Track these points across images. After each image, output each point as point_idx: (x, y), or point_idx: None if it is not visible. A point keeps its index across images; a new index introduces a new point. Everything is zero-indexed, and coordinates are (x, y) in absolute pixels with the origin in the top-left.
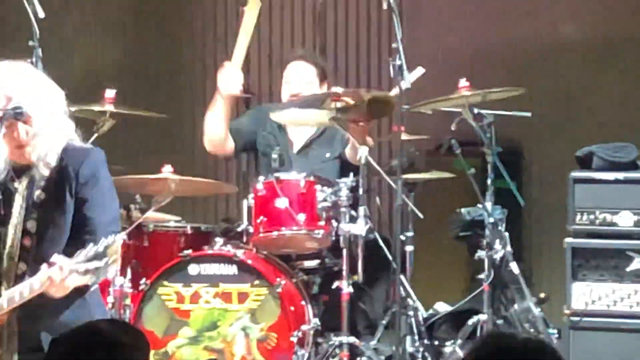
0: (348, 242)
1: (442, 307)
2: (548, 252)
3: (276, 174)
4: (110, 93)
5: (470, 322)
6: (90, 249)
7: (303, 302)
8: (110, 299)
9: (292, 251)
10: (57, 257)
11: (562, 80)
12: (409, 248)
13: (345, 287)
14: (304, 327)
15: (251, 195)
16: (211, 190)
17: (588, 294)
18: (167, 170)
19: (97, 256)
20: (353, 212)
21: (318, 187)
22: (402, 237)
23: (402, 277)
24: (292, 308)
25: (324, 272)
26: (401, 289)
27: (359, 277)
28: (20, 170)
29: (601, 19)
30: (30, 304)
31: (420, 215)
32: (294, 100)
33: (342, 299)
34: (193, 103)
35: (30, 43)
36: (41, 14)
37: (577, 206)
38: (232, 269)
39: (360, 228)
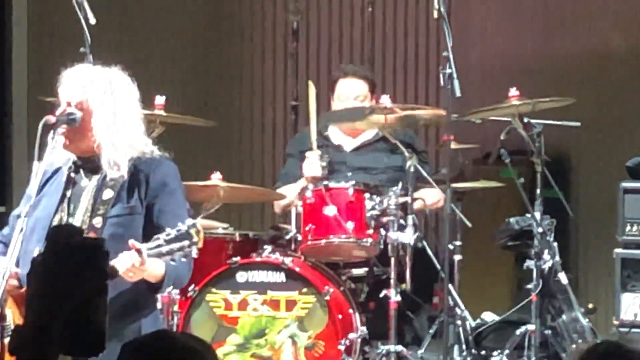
0: (396, 250)
1: (489, 317)
2: (596, 263)
3: (325, 182)
4: (160, 100)
5: (518, 332)
6: (171, 231)
7: (351, 310)
8: (158, 305)
9: (340, 259)
10: (134, 242)
11: (612, 89)
12: (457, 257)
13: (393, 295)
14: (351, 336)
15: (300, 203)
16: (260, 198)
17: (637, 305)
18: (215, 178)
19: (179, 237)
20: (402, 221)
21: (367, 195)
22: (451, 246)
23: (450, 286)
24: (340, 316)
25: (371, 281)
26: (449, 298)
27: (407, 285)
28: (91, 168)
29: None
30: None
31: (469, 224)
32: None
33: (390, 308)
34: (241, 111)
35: (82, 49)
36: (92, 20)
37: (627, 217)
38: (280, 277)
39: (408, 236)
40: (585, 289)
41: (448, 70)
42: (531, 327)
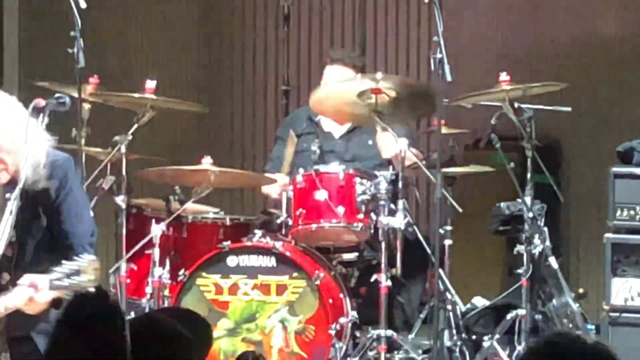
0: (387, 235)
1: (480, 302)
2: (587, 248)
3: (315, 167)
4: (151, 84)
5: (508, 316)
6: (69, 265)
7: (341, 295)
8: (148, 290)
9: (330, 244)
10: (31, 277)
11: (602, 74)
12: (448, 242)
13: (384, 280)
14: (342, 320)
15: (290, 188)
16: (250, 182)
17: (627, 290)
18: (206, 162)
19: (76, 273)
20: (392, 205)
21: (357, 179)
22: (441, 231)
23: (440, 271)
24: (331, 301)
25: (362, 265)
26: (439, 282)
27: (397, 270)
28: (9, 184)
29: None
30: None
31: (459, 209)
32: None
33: (381, 292)
34: (232, 96)
35: (72, 33)
36: (83, 4)
37: (617, 202)
38: (270, 261)
39: (399, 221)
40: (575, 274)
41: (439, 55)
42: (521, 311)
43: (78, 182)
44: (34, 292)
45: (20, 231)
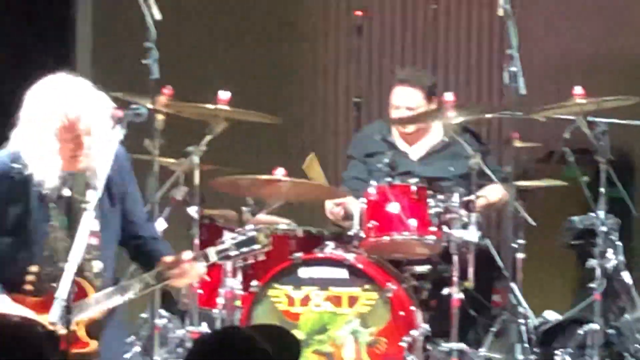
0: (459, 248)
1: (551, 316)
2: None
3: (388, 179)
4: (224, 95)
5: (581, 331)
6: (239, 234)
7: (413, 308)
8: (220, 300)
9: (402, 256)
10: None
11: None
12: (520, 255)
13: (456, 293)
14: (413, 333)
15: (363, 200)
16: (322, 194)
17: None
18: (279, 173)
19: (246, 242)
20: (465, 219)
21: (430, 192)
22: (514, 245)
23: (513, 284)
24: (402, 313)
25: (434, 278)
26: (512, 296)
27: (470, 283)
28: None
29: None
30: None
31: (532, 223)
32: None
33: (452, 305)
34: (304, 107)
35: (147, 44)
36: (157, 16)
37: None
38: (342, 273)
39: (472, 234)
40: None
41: (513, 68)
42: (594, 326)
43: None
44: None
45: (101, 220)
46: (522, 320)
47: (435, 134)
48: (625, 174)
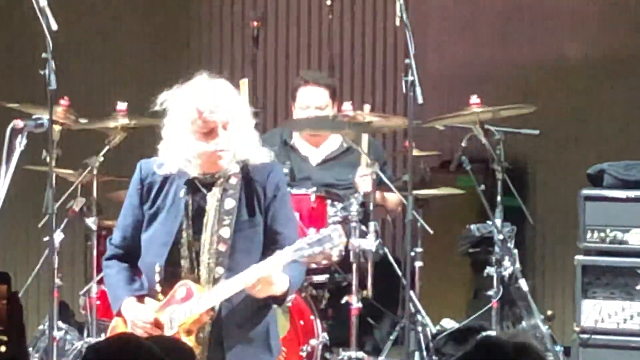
0: (358, 257)
1: (449, 324)
2: (557, 270)
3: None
4: (121, 105)
5: (478, 338)
6: (313, 235)
7: (312, 317)
8: None
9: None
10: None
11: (571, 98)
12: (418, 264)
13: (355, 302)
14: (312, 342)
15: None
16: None
17: (597, 312)
18: None
19: (321, 241)
20: (363, 227)
21: (328, 201)
22: (412, 253)
23: (411, 292)
24: (302, 322)
25: (333, 287)
26: (410, 304)
27: (369, 292)
28: (207, 182)
29: (606, 37)
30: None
31: (430, 231)
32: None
33: (351, 314)
34: None
35: (44, 55)
36: (54, 26)
37: (588, 224)
38: None
39: (370, 243)
40: (545, 296)
41: (410, 78)
42: (492, 333)
43: (287, 189)
44: (279, 258)
45: (235, 228)
46: (420, 328)
47: (335, 139)
48: (522, 182)
